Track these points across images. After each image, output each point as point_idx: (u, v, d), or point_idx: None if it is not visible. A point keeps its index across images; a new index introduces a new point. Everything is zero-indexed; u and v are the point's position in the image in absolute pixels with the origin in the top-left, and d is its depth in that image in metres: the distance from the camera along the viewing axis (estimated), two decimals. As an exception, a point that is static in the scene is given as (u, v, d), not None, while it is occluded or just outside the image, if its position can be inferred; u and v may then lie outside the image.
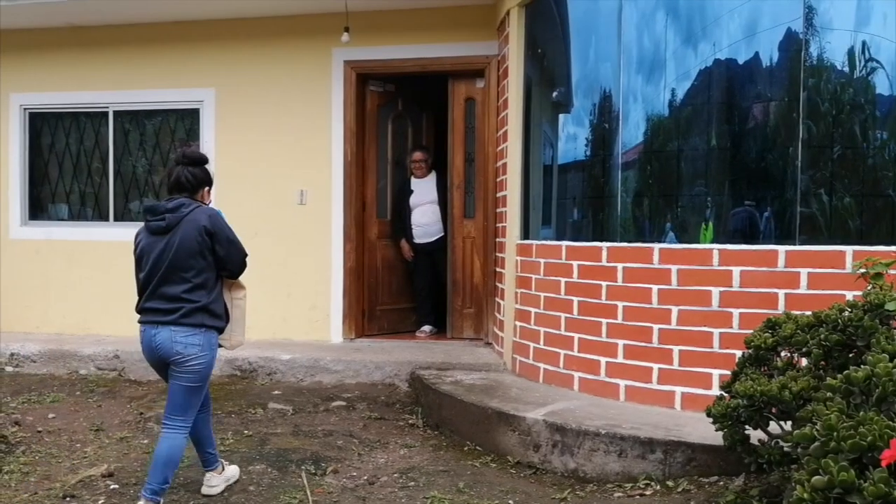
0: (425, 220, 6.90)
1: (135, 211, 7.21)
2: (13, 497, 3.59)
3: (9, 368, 6.30)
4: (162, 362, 3.47)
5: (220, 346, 3.57)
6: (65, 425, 4.81)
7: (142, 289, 3.48)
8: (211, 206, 3.64)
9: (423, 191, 6.90)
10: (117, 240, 7.08)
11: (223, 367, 6.04)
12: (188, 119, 7.04)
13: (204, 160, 3.64)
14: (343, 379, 5.79)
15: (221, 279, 3.53)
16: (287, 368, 5.93)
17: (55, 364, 6.31)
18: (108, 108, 7.15)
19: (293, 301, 6.74)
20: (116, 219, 7.20)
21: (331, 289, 6.68)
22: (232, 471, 3.86)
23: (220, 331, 3.54)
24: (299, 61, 6.69)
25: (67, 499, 3.59)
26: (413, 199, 6.91)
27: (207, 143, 6.91)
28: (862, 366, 2.26)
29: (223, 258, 3.46)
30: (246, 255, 3.59)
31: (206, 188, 3.65)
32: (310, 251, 6.71)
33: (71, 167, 7.34)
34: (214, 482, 3.72)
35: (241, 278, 3.64)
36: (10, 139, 7.30)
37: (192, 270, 3.38)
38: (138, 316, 3.51)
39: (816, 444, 1.98)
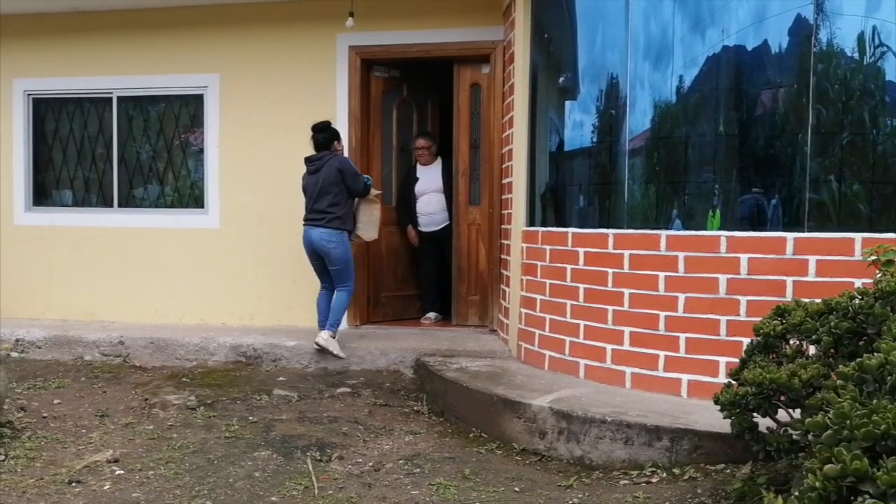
0: (430, 208, 6.87)
1: (139, 197, 7.20)
2: (19, 482, 3.60)
3: (14, 354, 6.30)
4: (315, 252, 5.72)
5: (357, 240, 5.93)
6: (70, 411, 4.82)
7: (306, 207, 5.76)
8: (343, 154, 6.00)
9: (429, 179, 6.87)
10: (122, 226, 7.09)
11: (228, 353, 6.05)
12: (192, 104, 7.01)
13: (325, 126, 5.82)
14: (348, 365, 5.79)
15: (352, 200, 5.80)
16: (292, 355, 5.93)
17: (60, 350, 6.32)
18: (112, 93, 7.12)
19: (298, 288, 6.72)
20: (121, 205, 7.19)
21: (335, 275, 6.66)
22: (335, 345, 5.75)
23: (349, 232, 5.75)
24: (304, 47, 6.66)
25: (73, 484, 3.60)
26: (418, 188, 6.87)
27: (211, 129, 6.89)
28: (875, 353, 2.24)
29: (350, 186, 5.68)
30: (364, 183, 5.81)
31: (336, 142, 5.83)
32: (314, 238, 6.69)
33: (75, 153, 7.32)
34: (324, 336, 5.72)
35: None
36: (13, 125, 7.28)
37: (330, 194, 5.63)
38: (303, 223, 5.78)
39: (829, 432, 1.96)
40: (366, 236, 5.96)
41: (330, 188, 5.61)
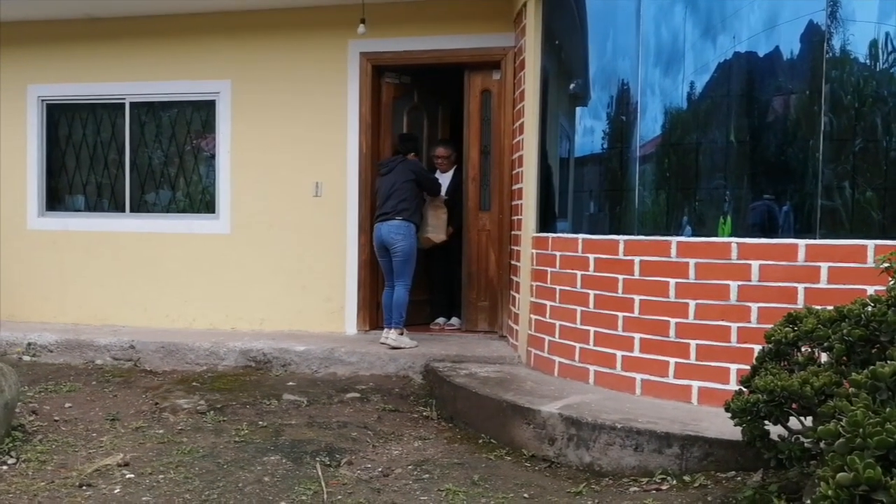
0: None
1: (150, 202, 7.24)
2: (30, 485, 3.61)
3: (26, 358, 6.34)
4: (384, 246, 6.03)
5: (427, 243, 6.36)
6: (81, 415, 4.84)
7: (378, 206, 6.15)
8: (415, 160, 6.34)
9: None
10: (133, 231, 7.12)
11: (238, 358, 6.07)
12: (204, 110, 7.05)
13: (410, 137, 6.51)
14: (357, 370, 5.79)
15: (421, 199, 6.24)
16: (302, 360, 5.94)
17: (72, 354, 6.35)
18: (124, 99, 7.17)
19: (308, 293, 6.75)
20: (133, 210, 7.23)
21: (346, 281, 6.68)
22: (406, 340, 5.97)
23: (416, 225, 6.10)
24: (315, 53, 6.69)
25: (84, 487, 3.61)
26: None
27: (223, 135, 6.92)
28: (888, 361, 2.22)
29: (425, 185, 6.22)
30: (438, 184, 6.47)
31: (412, 153, 6.33)
32: (325, 243, 6.71)
33: (88, 158, 7.37)
34: (392, 336, 5.95)
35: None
36: (28, 130, 7.34)
37: (401, 191, 6.01)
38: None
39: (841, 440, 1.95)
40: (435, 238, 6.43)
41: (402, 186, 6.03)
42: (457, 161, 6.92)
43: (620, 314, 4.60)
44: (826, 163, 4.07)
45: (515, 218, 6.05)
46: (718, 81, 4.48)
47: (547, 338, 5.16)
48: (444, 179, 6.88)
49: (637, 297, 4.52)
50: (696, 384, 4.28)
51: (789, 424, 2.95)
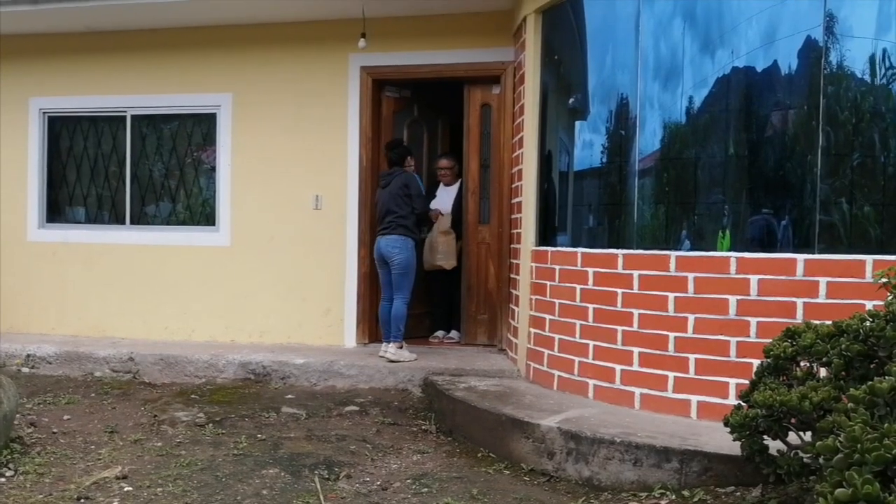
0: None
1: (151, 214, 7.25)
2: (28, 498, 3.60)
3: (25, 370, 6.34)
4: (382, 259, 6.06)
5: (436, 267, 6.55)
6: (79, 427, 4.83)
7: (378, 220, 6.17)
8: (411, 171, 6.31)
9: (444, 200, 6.85)
10: (133, 243, 7.13)
11: (237, 370, 6.06)
12: (205, 123, 7.08)
13: (397, 144, 6.35)
14: (356, 384, 5.79)
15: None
16: (301, 372, 5.94)
17: (70, 366, 6.34)
18: (125, 112, 7.20)
19: (308, 305, 6.75)
20: (133, 222, 7.23)
21: (345, 294, 6.68)
22: (405, 353, 5.96)
23: (414, 239, 6.07)
24: (316, 67, 6.71)
25: (81, 500, 3.60)
26: (432, 205, 6.85)
27: (224, 148, 6.94)
28: (886, 377, 2.23)
29: (412, 201, 6.04)
30: (425, 203, 6.33)
31: (408, 158, 6.31)
32: (325, 256, 6.72)
33: (88, 170, 7.39)
34: (391, 350, 5.94)
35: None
36: (29, 143, 7.36)
37: (397, 206, 6.01)
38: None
39: (840, 455, 1.95)
40: (446, 265, 6.53)
41: (397, 200, 6.02)
42: (460, 173, 6.93)
43: (619, 328, 4.60)
44: (824, 178, 4.09)
45: (515, 231, 6.06)
46: (717, 96, 4.50)
47: (546, 351, 5.16)
48: (450, 193, 6.87)
49: (636, 311, 4.53)
50: (695, 398, 4.28)
51: (788, 439, 2.95)
